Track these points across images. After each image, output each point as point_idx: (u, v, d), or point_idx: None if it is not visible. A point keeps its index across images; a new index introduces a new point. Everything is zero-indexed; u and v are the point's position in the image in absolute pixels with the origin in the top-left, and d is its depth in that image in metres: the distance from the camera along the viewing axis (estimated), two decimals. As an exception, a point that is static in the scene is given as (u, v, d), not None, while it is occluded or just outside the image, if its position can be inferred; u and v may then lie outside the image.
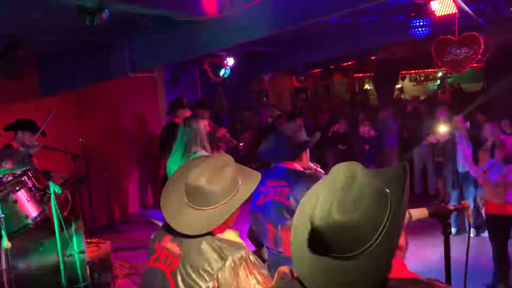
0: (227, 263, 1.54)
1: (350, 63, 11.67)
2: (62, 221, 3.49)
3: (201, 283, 1.55)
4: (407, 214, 1.63)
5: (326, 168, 2.97)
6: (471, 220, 1.77)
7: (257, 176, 1.77)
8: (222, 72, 7.60)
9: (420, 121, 7.41)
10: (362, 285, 1.02)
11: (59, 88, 6.18)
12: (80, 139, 6.31)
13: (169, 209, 1.69)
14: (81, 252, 3.87)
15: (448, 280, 1.74)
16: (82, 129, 6.57)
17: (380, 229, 1.04)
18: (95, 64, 5.61)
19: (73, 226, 4.00)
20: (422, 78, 14.47)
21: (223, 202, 1.61)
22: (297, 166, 2.69)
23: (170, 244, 1.68)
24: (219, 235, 1.64)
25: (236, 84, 9.17)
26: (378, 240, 1.03)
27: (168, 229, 1.69)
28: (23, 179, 3.86)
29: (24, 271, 3.71)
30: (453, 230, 5.63)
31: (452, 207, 1.71)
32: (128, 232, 6.63)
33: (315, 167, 2.97)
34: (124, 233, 6.57)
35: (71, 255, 3.82)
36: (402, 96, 13.72)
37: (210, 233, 1.62)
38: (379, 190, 1.08)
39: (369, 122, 7.49)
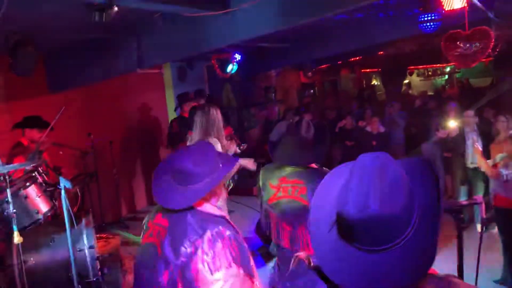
0: (206, 234, 1.73)
1: (357, 58, 11.61)
2: (73, 216, 3.51)
3: (181, 250, 1.73)
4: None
5: (332, 164, 2.95)
6: (484, 216, 1.76)
7: (233, 161, 2.03)
8: (229, 68, 7.59)
9: (428, 117, 7.36)
10: (398, 281, 0.99)
11: (67, 85, 6.20)
12: (89, 135, 6.36)
13: (159, 189, 1.91)
14: (91, 247, 3.90)
15: (461, 275, 1.73)
16: (91, 126, 6.61)
17: (412, 224, 1.01)
18: (103, 61, 5.62)
19: (83, 222, 4.03)
20: (430, 73, 14.39)
21: (206, 180, 1.83)
22: (313, 164, 2.65)
23: (161, 220, 1.90)
24: (200, 208, 1.84)
25: (243, 80, 9.17)
26: (409, 235, 1.00)
27: (159, 208, 1.94)
28: (34, 174, 3.89)
29: (35, 265, 3.75)
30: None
31: (465, 202, 1.70)
32: (137, 228, 6.67)
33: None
34: (132, 229, 6.61)
35: (81, 250, 3.85)
36: (410, 91, 13.65)
37: (193, 208, 1.83)
38: (406, 181, 1.05)
39: (377, 117, 7.45)
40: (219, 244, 1.72)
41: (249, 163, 3.94)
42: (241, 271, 1.73)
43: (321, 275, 1.10)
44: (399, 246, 1.00)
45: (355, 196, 1.02)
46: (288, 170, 2.61)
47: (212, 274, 1.69)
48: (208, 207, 1.88)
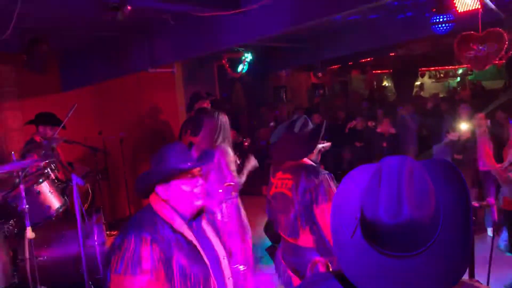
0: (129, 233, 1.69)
1: (368, 59, 11.55)
2: (84, 212, 3.55)
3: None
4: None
5: (342, 165, 2.97)
6: (496, 219, 1.74)
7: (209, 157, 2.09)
8: (240, 68, 7.60)
9: (440, 119, 7.30)
10: (427, 284, 0.97)
11: (80, 83, 6.27)
12: (100, 134, 6.42)
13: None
14: (102, 243, 3.95)
15: (472, 277, 1.72)
16: (102, 123, 6.66)
17: (439, 228, 0.99)
18: (115, 60, 5.67)
19: (94, 218, 4.08)
20: (442, 75, 14.27)
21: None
22: (306, 160, 2.72)
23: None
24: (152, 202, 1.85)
25: (253, 80, 9.18)
26: (437, 240, 0.98)
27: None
28: (47, 171, 3.95)
29: (46, 260, 3.80)
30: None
31: (476, 204, 1.69)
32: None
33: (322, 145, 2.92)
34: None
35: (92, 246, 3.90)
36: (421, 93, 13.55)
37: None
38: (431, 186, 1.02)
39: (388, 119, 7.41)
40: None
41: (251, 162, 4.01)
42: None
43: (344, 281, 1.06)
44: (428, 250, 0.98)
45: (386, 201, 0.98)
46: (286, 165, 2.77)
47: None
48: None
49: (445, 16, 5.44)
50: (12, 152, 3.62)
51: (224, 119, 3.82)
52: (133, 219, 1.79)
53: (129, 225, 1.75)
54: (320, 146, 2.83)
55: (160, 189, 1.80)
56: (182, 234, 1.75)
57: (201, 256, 1.76)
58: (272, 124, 9.26)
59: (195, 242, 1.77)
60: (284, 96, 10.24)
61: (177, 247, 1.71)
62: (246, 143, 5.69)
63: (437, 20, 5.53)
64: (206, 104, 5.32)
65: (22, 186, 3.42)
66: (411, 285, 0.98)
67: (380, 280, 1.01)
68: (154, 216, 1.77)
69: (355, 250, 1.05)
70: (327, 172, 2.62)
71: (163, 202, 1.80)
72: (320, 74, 10.45)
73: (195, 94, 5.98)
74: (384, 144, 7.17)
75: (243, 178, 3.87)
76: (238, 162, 4.46)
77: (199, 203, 1.83)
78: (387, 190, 0.99)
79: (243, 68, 7.68)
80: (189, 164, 1.81)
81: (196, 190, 1.81)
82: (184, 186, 1.79)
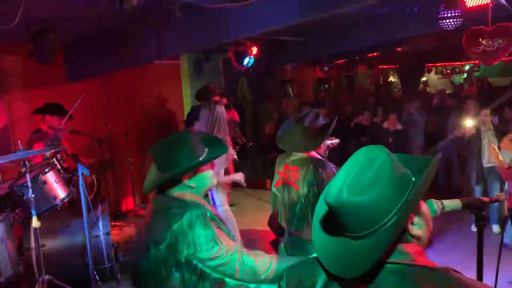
0: (184, 217, 1.76)
1: (375, 54, 11.48)
2: (90, 203, 3.56)
3: (162, 234, 1.78)
4: (439, 205, 1.62)
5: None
6: (507, 214, 1.73)
7: (223, 149, 2.10)
8: (246, 61, 7.55)
9: (446, 115, 7.25)
10: (361, 265, 1.03)
11: (86, 74, 6.27)
12: (106, 125, 6.43)
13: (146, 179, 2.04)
14: (107, 233, 3.96)
15: (480, 274, 1.71)
16: (108, 115, 6.67)
17: (391, 214, 1.04)
18: (122, 51, 5.66)
19: (99, 209, 4.09)
20: (448, 71, 14.17)
21: (181, 167, 1.87)
22: (313, 153, 2.74)
23: (149, 206, 2.01)
24: (180, 193, 1.90)
25: (259, 74, 9.14)
26: (388, 224, 1.04)
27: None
28: (52, 161, 3.96)
29: (51, 250, 3.82)
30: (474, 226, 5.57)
31: (486, 199, 1.68)
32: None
33: (330, 141, 2.95)
34: (146, 218, 6.68)
35: (97, 236, 3.91)
36: (428, 89, 13.46)
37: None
38: (400, 175, 1.08)
39: (395, 115, 7.38)
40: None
41: (239, 179, 4.05)
42: None
43: (322, 265, 1.16)
44: (376, 233, 1.04)
45: (334, 185, 1.09)
46: (293, 157, 2.76)
47: None
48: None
49: (453, 11, 5.38)
50: (19, 142, 3.63)
51: (221, 110, 3.89)
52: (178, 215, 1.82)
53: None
54: (328, 142, 2.85)
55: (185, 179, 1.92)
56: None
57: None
58: (275, 118, 9.24)
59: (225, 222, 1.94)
60: (292, 91, 10.17)
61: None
62: (249, 145, 5.68)
63: (445, 15, 5.47)
64: (217, 98, 5.37)
65: (28, 176, 3.43)
66: (349, 264, 1.06)
67: (329, 257, 1.12)
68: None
69: (318, 230, 1.19)
70: (334, 165, 2.62)
71: (191, 189, 1.92)
72: (326, 69, 10.40)
73: (202, 89, 5.99)
74: (390, 140, 7.14)
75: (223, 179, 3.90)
76: (236, 157, 4.50)
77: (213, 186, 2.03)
78: (340, 175, 1.10)
79: (249, 62, 7.62)
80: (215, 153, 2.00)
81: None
82: (209, 168, 1.99)
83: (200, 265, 1.76)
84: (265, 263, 1.81)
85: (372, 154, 1.10)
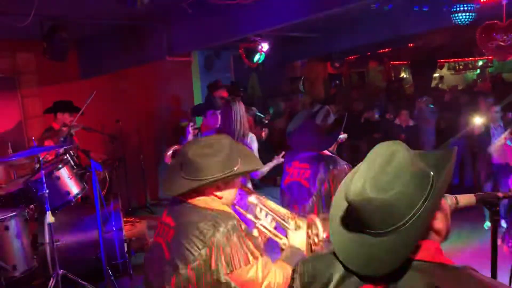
0: (221, 229, 1.59)
1: (386, 50, 11.38)
2: (102, 198, 3.60)
3: (193, 251, 1.60)
4: (454, 200, 1.60)
5: (359, 157, 2.96)
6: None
7: (257, 163, 1.91)
8: (256, 58, 7.53)
9: (458, 112, 7.18)
10: (386, 262, 1.03)
11: (98, 71, 6.32)
12: (118, 122, 6.48)
13: (166, 179, 1.84)
14: (120, 229, 4.00)
15: (494, 270, 1.69)
16: (120, 112, 6.72)
17: (415, 210, 1.03)
18: (133, 48, 5.69)
19: (112, 205, 4.13)
20: (461, 67, 13.99)
21: (213, 176, 1.67)
22: (327, 152, 2.71)
23: (166, 218, 1.78)
24: (207, 203, 1.71)
25: (269, 70, 9.12)
26: (411, 220, 1.03)
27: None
28: (66, 157, 4.00)
29: (65, 245, 3.87)
30: (489, 223, 5.51)
31: (500, 195, 1.66)
32: (162, 213, 6.76)
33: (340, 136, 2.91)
34: (158, 215, 6.72)
35: (109, 232, 3.95)
36: (440, 85, 13.31)
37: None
38: (419, 170, 1.08)
39: (407, 111, 7.32)
40: (235, 239, 1.61)
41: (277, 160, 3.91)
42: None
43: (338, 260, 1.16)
44: (400, 230, 1.04)
45: (356, 182, 1.08)
46: (302, 155, 2.74)
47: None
48: (216, 204, 1.74)
49: (466, 6, 5.32)
50: (33, 138, 3.68)
51: (241, 107, 3.78)
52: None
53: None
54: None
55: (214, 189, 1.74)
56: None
57: None
58: (286, 114, 9.22)
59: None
60: (302, 87, 10.13)
61: None
62: (265, 134, 5.70)
63: (458, 9, 5.41)
64: (224, 94, 5.40)
65: (42, 172, 3.48)
66: (375, 262, 1.05)
67: (351, 255, 1.11)
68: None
69: (338, 227, 1.17)
70: (346, 162, 2.59)
71: (218, 200, 1.75)
72: (337, 65, 10.33)
73: (212, 83, 6.05)
74: (403, 136, 7.09)
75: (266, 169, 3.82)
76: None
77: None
78: (362, 171, 1.09)
79: (259, 58, 7.61)
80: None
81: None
82: (238, 183, 1.83)
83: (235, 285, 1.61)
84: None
85: (391, 150, 1.10)
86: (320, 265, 1.22)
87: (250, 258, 1.61)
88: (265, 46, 7.37)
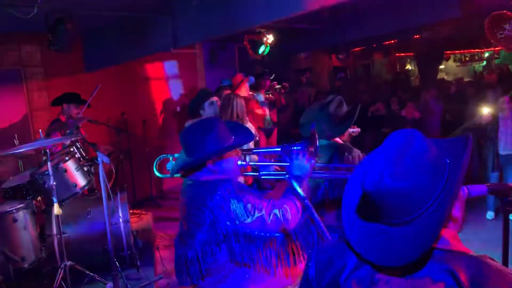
0: (219, 192, 1.87)
1: (392, 42, 11.28)
2: (109, 190, 3.60)
3: (201, 217, 1.89)
4: (465, 190, 1.59)
5: (364, 150, 2.98)
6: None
7: (249, 137, 2.17)
8: (261, 49, 7.50)
9: (464, 104, 7.13)
10: (408, 252, 1.01)
11: (103, 63, 6.31)
12: (123, 115, 6.48)
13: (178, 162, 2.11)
14: (126, 221, 4.01)
15: (505, 261, 1.68)
16: (125, 104, 6.72)
17: (433, 199, 1.02)
18: (138, 40, 5.67)
19: (119, 197, 4.13)
20: (467, 58, 13.86)
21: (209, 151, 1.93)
22: (337, 139, 2.75)
23: (181, 198, 2.09)
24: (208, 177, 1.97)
25: (275, 62, 9.08)
26: (430, 209, 1.02)
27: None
28: (72, 149, 4.01)
29: (72, 237, 3.89)
30: (491, 213, 5.50)
31: (513, 185, 1.64)
32: (167, 206, 6.79)
33: (353, 130, 2.93)
34: (163, 207, 6.74)
35: (116, 224, 3.96)
36: (446, 77, 13.21)
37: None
38: (436, 158, 1.06)
39: (413, 103, 7.28)
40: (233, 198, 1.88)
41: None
42: None
43: (350, 248, 1.15)
44: (418, 219, 1.02)
45: (372, 171, 1.07)
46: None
47: None
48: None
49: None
50: (40, 130, 3.68)
51: (239, 100, 4.15)
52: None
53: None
54: (351, 130, 2.83)
55: (211, 163, 1.99)
56: None
57: None
58: (290, 107, 9.19)
59: None
60: (309, 79, 10.08)
61: None
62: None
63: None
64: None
65: (49, 164, 3.48)
66: (394, 251, 1.03)
67: (367, 244, 1.08)
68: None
69: (353, 216, 1.15)
70: (360, 150, 2.61)
71: (216, 174, 1.98)
72: (342, 57, 10.27)
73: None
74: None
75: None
76: (258, 138, 4.53)
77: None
78: (377, 160, 1.08)
79: (264, 50, 7.57)
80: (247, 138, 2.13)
81: (239, 162, 2.08)
82: (235, 158, 2.04)
83: (245, 230, 1.86)
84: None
85: (407, 138, 1.08)
86: (334, 253, 1.22)
87: (249, 208, 1.86)
88: (270, 38, 7.33)
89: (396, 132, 1.13)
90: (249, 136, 2.16)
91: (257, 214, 1.87)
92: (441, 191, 1.03)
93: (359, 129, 2.95)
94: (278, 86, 6.95)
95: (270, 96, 6.82)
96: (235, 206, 1.85)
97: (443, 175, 1.05)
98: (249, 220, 1.86)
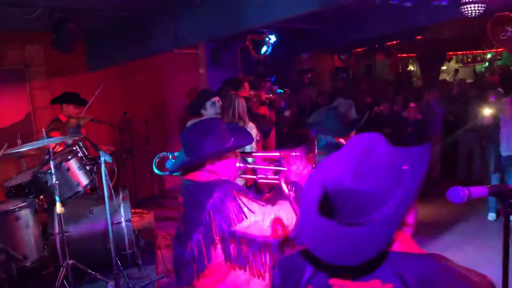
0: (215, 195, 1.87)
1: (394, 42, 11.29)
2: (112, 189, 3.62)
3: (197, 218, 1.89)
4: (466, 192, 1.60)
5: None
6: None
7: (248, 139, 2.17)
8: (263, 50, 7.52)
9: (466, 104, 7.13)
10: (360, 253, 1.01)
11: (106, 63, 6.33)
12: (125, 114, 6.49)
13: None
14: (128, 220, 4.02)
15: (506, 263, 1.68)
16: (127, 104, 6.73)
17: (390, 204, 1.03)
18: (141, 40, 5.69)
19: (121, 196, 4.15)
20: (469, 59, 13.85)
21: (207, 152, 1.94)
22: (343, 141, 2.79)
23: (179, 198, 2.08)
24: (207, 178, 1.97)
25: (277, 63, 9.09)
26: (386, 213, 1.03)
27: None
28: (75, 148, 4.03)
29: (75, 235, 3.91)
30: (493, 215, 5.51)
31: (514, 187, 1.65)
32: (169, 205, 6.81)
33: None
34: (165, 206, 6.75)
35: (118, 223, 3.98)
36: (448, 78, 13.20)
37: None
38: (397, 165, 1.08)
39: (415, 104, 7.27)
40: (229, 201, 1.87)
41: None
42: None
43: (308, 257, 1.15)
44: (375, 221, 1.03)
45: (334, 170, 1.08)
46: (320, 143, 2.80)
47: None
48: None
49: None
50: (43, 129, 3.70)
51: (239, 100, 4.13)
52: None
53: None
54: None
55: (209, 164, 1.98)
56: None
57: None
58: (292, 107, 9.18)
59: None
60: (310, 79, 10.07)
61: None
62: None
63: (468, 0, 5.32)
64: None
65: (52, 163, 3.50)
66: (352, 251, 1.03)
67: (323, 244, 1.08)
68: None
69: (311, 216, 1.13)
70: None
71: (214, 175, 1.98)
72: (344, 57, 10.27)
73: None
74: (410, 129, 7.05)
75: None
76: (258, 138, 4.56)
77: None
78: (340, 162, 1.10)
79: (266, 50, 7.59)
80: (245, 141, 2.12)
81: (237, 164, 2.10)
82: (233, 160, 2.05)
83: (240, 234, 1.86)
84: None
85: (371, 142, 1.10)
86: (295, 262, 1.24)
87: (246, 213, 1.86)
88: (272, 38, 7.34)
89: (361, 135, 1.15)
90: (248, 138, 2.17)
91: (253, 218, 1.87)
92: (398, 197, 1.04)
93: None
94: (279, 91, 6.97)
95: (271, 96, 6.85)
96: (232, 208, 1.85)
97: (402, 181, 1.06)
98: (245, 223, 1.87)
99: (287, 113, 5.52)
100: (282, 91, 7.03)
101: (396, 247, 1.07)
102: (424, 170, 1.09)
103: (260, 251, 1.90)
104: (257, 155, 2.36)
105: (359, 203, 1.04)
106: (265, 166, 2.27)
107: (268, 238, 1.91)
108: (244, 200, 1.89)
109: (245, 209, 1.87)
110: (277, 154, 2.20)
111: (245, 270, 1.90)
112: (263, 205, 1.95)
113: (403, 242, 1.08)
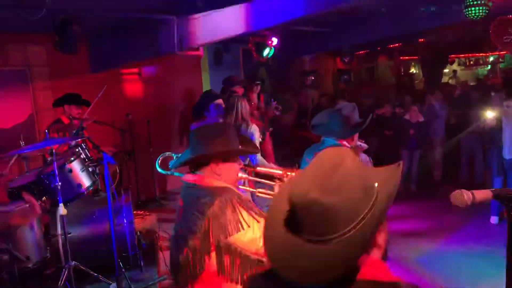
0: (216, 202, 1.84)
1: (396, 45, 11.29)
2: (114, 191, 3.62)
3: (196, 223, 1.86)
4: (470, 195, 1.60)
5: (368, 153, 3.07)
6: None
7: (254, 149, 2.22)
8: (266, 52, 7.51)
9: (468, 107, 7.12)
10: (328, 272, 0.98)
11: (108, 65, 6.34)
12: (127, 116, 6.50)
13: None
14: (131, 222, 4.03)
15: (510, 266, 1.67)
16: (129, 105, 6.74)
17: (359, 220, 1.01)
18: (143, 41, 5.70)
19: (123, 197, 4.16)
20: (472, 62, 13.85)
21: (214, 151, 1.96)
22: (345, 143, 2.81)
23: (179, 201, 2.08)
24: (209, 183, 1.95)
25: (279, 65, 9.09)
26: (354, 230, 1.00)
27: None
28: (78, 150, 4.03)
29: (77, 237, 3.91)
30: (496, 218, 5.49)
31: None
32: (171, 207, 6.80)
33: (360, 143, 3.03)
34: (167, 208, 6.75)
35: (121, 224, 3.98)
36: (450, 81, 13.20)
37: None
38: (366, 181, 1.06)
39: (417, 106, 7.27)
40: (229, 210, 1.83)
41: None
42: None
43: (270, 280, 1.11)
44: (342, 239, 1.00)
45: (301, 184, 1.05)
46: (323, 146, 2.83)
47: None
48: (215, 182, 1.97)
49: (479, 0, 5.23)
50: (46, 131, 3.71)
51: (242, 102, 4.18)
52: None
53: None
54: (358, 142, 2.90)
55: (214, 163, 1.97)
56: None
57: None
58: (295, 109, 9.19)
59: None
60: (312, 81, 10.07)
61: None
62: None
63: (470, 3, 5.32)
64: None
65: (55, 164, 3.50)
66: (319, 271, 0.99)
67: (287, 260, 1.04)
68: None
69: (277, 231, 1.10)
70: (366, 154, 2.66)
71: (217, 178, 1.97)
72: (346, 59, 10.27)
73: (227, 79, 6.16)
74: (412, 132, 7.04)
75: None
76: (260, 139, 4.57)
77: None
78: (308, 173, 1.07)
79: (269, 52, 7.58)
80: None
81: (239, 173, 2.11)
82: (237, 167, 2.05)
83: (235, 248, 1.82)
84: None
85: (340, 157, 1.07)
86: (262, 283, 1.21)
87: (244, 225, 1.81)
88: (275, 40, 7.34)
89: (330, 149, 1.14)
90: (255, 148, 2.21)
91: (250, 234, 1.82)
92: (366, 214, 1.01)
93: (366, 145, 3.05)
94: (275, 105, 6.88)
95: (262, 108, 6.81)
96: (230, 218, 1.81)
97: (371, 198, 1.04)
98: (243, 238, 1.81)
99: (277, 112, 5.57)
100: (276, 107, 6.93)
101: (365, 272, 1.03)
102: (393, 190, 1.06)
103: (253, 268, 1.83)
104: (260, 170, 2.36)
105: (326, 218, 1.00)
106: (265, 181, 2.28)
107: (263, 255, 1.82)
108: (244, 214, 1.84)
109: (244, 224, 1.82)
110: (280, 172, 2.21)
111: (237, 283, 1.84)
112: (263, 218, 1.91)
113: (373, 266, 1.05)
